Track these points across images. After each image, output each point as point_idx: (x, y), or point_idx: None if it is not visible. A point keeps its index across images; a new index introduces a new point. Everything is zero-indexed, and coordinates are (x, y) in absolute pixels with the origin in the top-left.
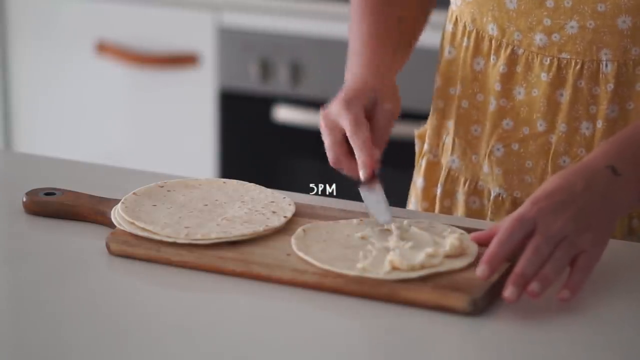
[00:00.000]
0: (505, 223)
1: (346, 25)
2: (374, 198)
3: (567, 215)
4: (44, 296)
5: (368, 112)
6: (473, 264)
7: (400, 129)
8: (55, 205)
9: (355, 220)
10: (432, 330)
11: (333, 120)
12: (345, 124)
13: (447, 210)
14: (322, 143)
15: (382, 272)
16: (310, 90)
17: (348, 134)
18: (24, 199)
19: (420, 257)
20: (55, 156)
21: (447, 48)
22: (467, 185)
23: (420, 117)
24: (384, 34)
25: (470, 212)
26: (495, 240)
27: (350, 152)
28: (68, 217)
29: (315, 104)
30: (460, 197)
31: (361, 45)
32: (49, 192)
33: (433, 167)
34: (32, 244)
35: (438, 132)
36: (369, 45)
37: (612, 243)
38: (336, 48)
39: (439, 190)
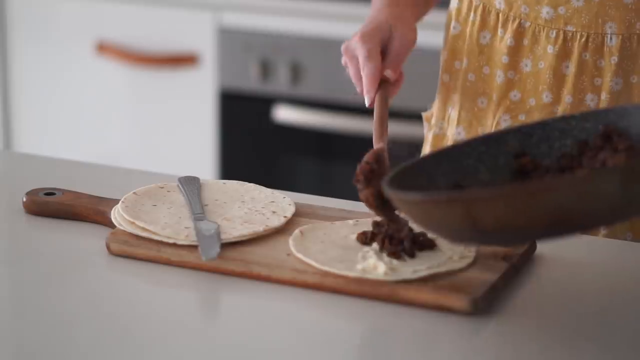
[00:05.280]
0: None
1: (346, 25)
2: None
3: None
4: (44, 296)
5: (384, 45)
6: (473, 264)
7: (401, 129)
8: (55, 205)
9: (351, 222)
10: (432, 330)
11: (352, 53)
12: (359, 56)
13: None
14: (322, 143)
15: (381, 272)
16: (310, 90)
17: (360, 66)
18: (24, 199)
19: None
20: (55, 156)
21: (452, 23)
22: None
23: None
24: None
25: None
26: None
27: None
28: (68, 217)
29: (315, 104)
30: None
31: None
32: (49, 192)
33: (439, 140)
34: (32, 244)
35: (444, 106)
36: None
37: (612, 243)
38: (336, 48)
39: None
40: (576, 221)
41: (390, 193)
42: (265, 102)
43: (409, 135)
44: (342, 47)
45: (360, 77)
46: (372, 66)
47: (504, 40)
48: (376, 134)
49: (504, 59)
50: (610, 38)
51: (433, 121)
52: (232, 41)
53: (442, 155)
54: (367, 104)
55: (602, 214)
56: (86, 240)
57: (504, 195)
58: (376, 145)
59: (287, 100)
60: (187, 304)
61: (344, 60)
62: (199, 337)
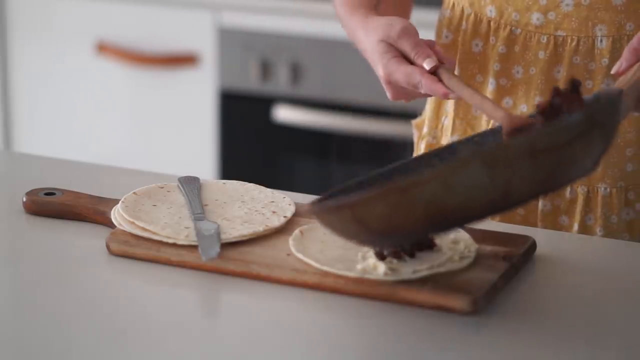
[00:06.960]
0: None
1: None
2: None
3: None
4: (44, 296)
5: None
6: (473, 264)
7: (399, 129)
8: (55, 205)
9: None
10: (432, 330)
11: (395, 55)
12: (407, 47)
13: None
14: (322, 143)
15: (381, 273)
16: (310, 90)
17: (413, 53)
18: (24, 199)
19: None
20: (55, 156)
21: (444, 32)
22: None
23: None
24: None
25: None
26: None
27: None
28: (68, 217)
29: (315, 104)
30: None
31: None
32: (49, 192)
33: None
34: (32, 244)
35: (437, 115)
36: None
37: (612, 243)
38: (336, 48)
39: None
40: (455, 214)
41: (309, 209)
42: (265, 102)
43: (401, 135)
44: (382, 64)
45: (426, 73)
46: (429, 51)
47: (496, 47)
48: (490, 103)
49: (496, 66)
50: (601, 40)
51: (425, 130)
52: (232, 41)
53: (395, 169)
54: (429, 67)
55: (479, 205)
56: (86, 240)
57: (380, 195)
58: (499, 113)
59: (287, 100)
60: (187, 304)
61: (393, 90)
62: (199, 337)
